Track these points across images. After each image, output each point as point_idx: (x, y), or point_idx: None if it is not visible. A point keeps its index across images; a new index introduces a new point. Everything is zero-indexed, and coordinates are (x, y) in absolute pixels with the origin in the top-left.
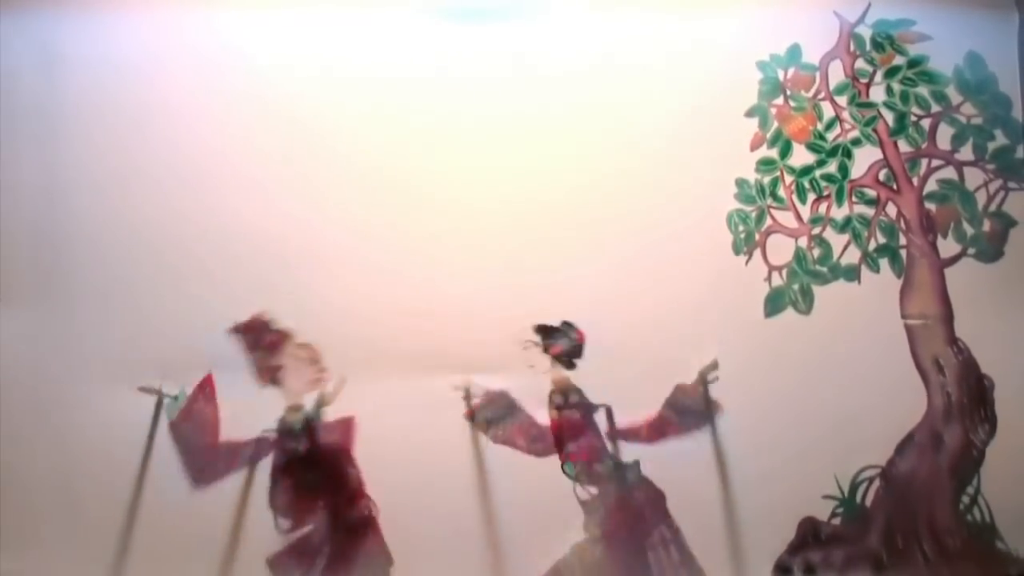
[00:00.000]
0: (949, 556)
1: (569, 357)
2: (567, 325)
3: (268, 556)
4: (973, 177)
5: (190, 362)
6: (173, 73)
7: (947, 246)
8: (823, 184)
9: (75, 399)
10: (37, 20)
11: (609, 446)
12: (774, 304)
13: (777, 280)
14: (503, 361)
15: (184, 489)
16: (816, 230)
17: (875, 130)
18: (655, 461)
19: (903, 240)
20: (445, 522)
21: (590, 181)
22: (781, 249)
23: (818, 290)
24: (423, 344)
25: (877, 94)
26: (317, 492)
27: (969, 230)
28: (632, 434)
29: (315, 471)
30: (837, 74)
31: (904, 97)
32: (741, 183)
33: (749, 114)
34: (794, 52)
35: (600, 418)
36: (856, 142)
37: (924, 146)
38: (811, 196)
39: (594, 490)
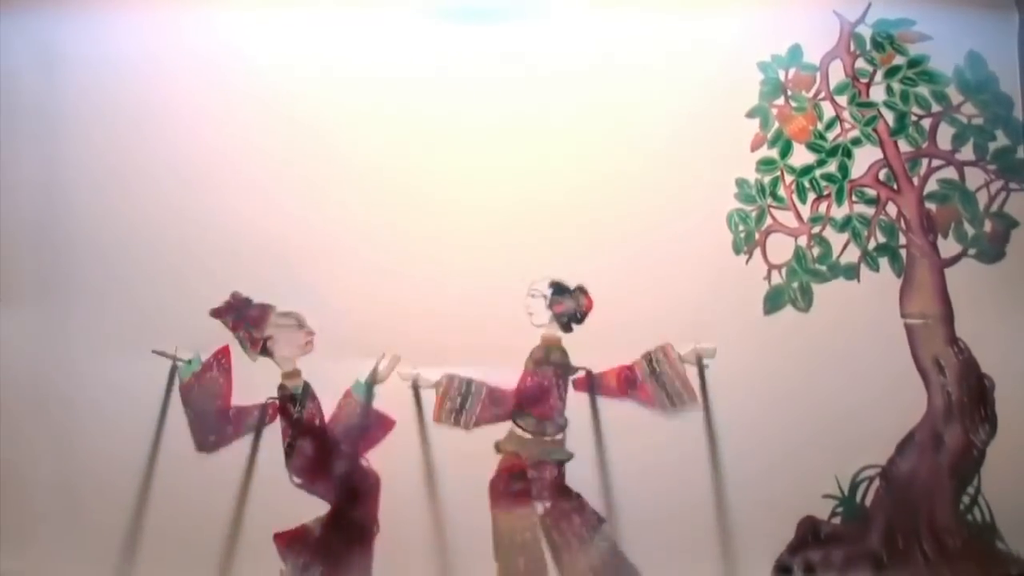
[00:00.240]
0: (949, 556)
1: (569, 319)
2: (580, 289)
3: (276, 532)
4: (974, 177)
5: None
6: (173, 73)
7: (948, 246)
8: (823, 184)
9: (75, 398)
10: (37, 20)
11: (564, 413)
12: (773, 302)
13: (777, 279)
14: (504, 360)
15: (185, 482)
16: (816, 229)
17: (875, 130)
18: (654, 459)
19: (903, 240)
20: (447, 517)
21: (590, 181)
22: (781, 248)
23: (817, 289)
24: (423, 343)
25: (877, 94)
26: (330, 468)
27: (970, 230)
28: (602, 385)
29: (329, 446)
30: (837, 74)
31: (904, 97)
32: (741, 183)
33: (750, 115)
34: (795, 52)
35: (571, 381)
36: (856, 142)
37: (924, 146)
38: (811, 196)
39: (520, 443)
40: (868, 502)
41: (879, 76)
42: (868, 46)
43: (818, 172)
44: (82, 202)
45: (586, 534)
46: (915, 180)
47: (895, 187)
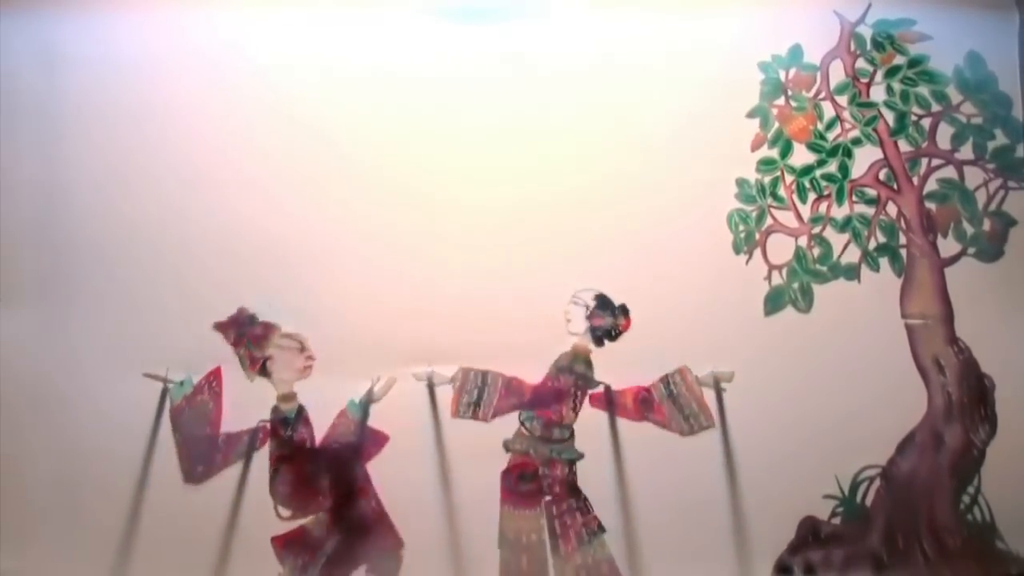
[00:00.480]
0: (949, 555)
1: (603, 335)
2: (623, 308)
3: (273, 536)
4: (973, 176)
5: (191, 361)
6: (173, 73)
7: (947, 245)
8: (823, 184)
9: (75, 398)
10: (37, 20)
11: (573, 425)
12: (774, 303)
13: (777, 279)
14: (505, 359)
15: (186, 486)
16: (816, 229)
17: (875, 130)
18: (653, 459)
19: (903, 239)
20: (449, 515)
21: (590, 181)
22: (781, 248)
23: (818, 289)
24: (423, 342)
25: (877, 94)
26: (318, 486)
27: (969, 229)
28: (620, 406)
29: (317, 467)
30: (838, 74)
31: (904, 97)
32: (742, 183)
33: (750, 114)
34: (795, 52)
35: (590, 395)
36: (856, 142)
37: (924, 145)
38: (811, 196)
39: (529, 442)
40: (868, 502)
41: (879, 76)
42: (868, 46)
43: (818, 172)
44: (82, 202)
45: (584, 536)
46: (915, 180)
47: (895, 187)
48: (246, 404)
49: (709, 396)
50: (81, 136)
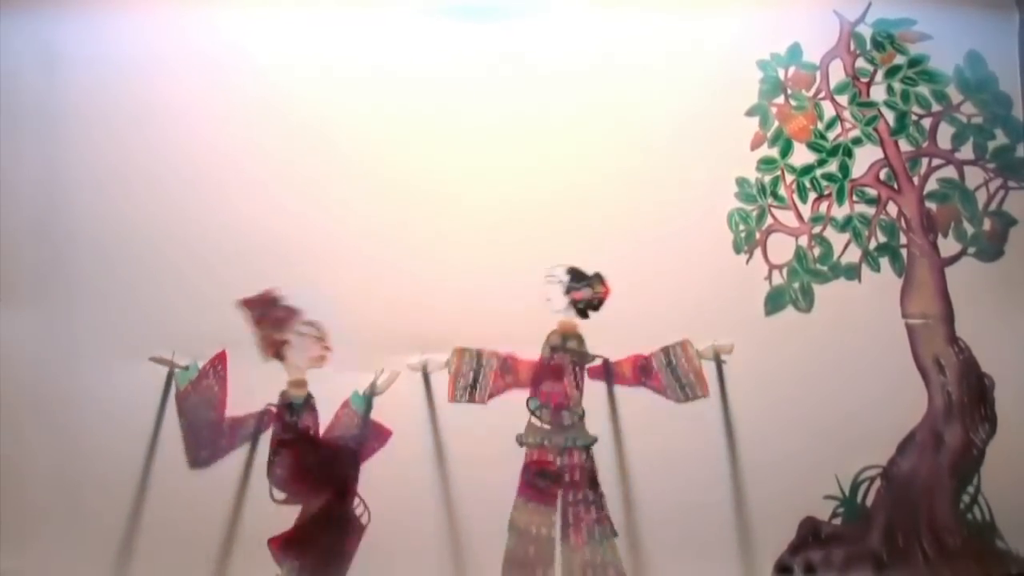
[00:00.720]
0: (949, 555)
1: (586, 307)
2: (597, 276)
3: (270, 538)
4: (973, 176)
5: (192, 359)
6: (174, 72)
7: (947, 245)
8: (824, 183)
9: (75, 397)
10: (37, 20)
11: (582, 399)
12: (774, 303)
13: (777, 279)
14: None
15: (185, 481)
16: (817, 229)
17: (876, 129)
18: (653, 457)
19: (904, 239)
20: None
21: (590, 180)
22: (782, 248)
23: (818, 289)
24: (424, 341)
25: (878, 93)
26: (315, 477)
27: (969, 229)
28: (618, 375)
29: (316, 457)
30: (838, 73)
31: (905, 96)
32: (742, 182)
33: (750, 113)
34: (794, 51)
35: (587, 369)
36: (857, 141)
37: (924, 145)
38: (812, 195)
39: (542, 434)
40: (869, 502)
41: (879, 76)
42: (868, 46)
43: (819, 172)
44: (83, 202)
45: (596, 534)
46: (915, 179)
47: (895, 187)
48: (252, 389)
49: (709, 369)
50: (81, 136)
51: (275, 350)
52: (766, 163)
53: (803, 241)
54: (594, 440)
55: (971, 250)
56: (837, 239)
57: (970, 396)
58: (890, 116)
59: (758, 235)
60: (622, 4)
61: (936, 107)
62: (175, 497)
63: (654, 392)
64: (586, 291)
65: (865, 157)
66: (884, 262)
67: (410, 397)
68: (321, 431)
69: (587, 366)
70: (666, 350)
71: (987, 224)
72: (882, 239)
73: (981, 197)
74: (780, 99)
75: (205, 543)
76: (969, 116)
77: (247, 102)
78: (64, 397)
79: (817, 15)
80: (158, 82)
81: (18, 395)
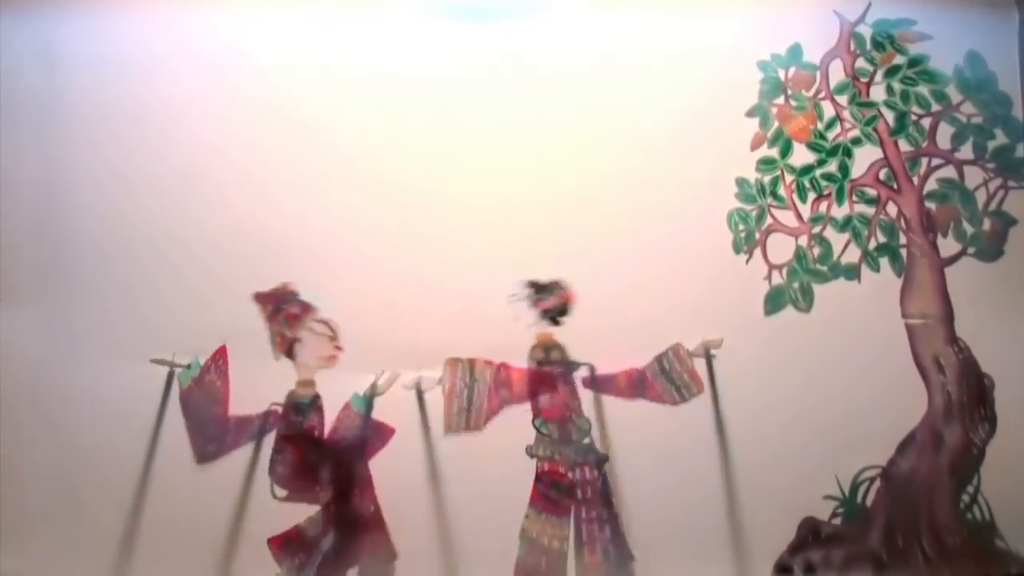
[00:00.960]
0: (949, 555)
1: (555, 315)
2: (555, 283)
3: (270, 537)
4: (973, 176)
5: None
6: (174, 72)
7: (947, 245)
8: (823, 183)
9: (75, 397)
10: (37, 20)
11: (583, 406)
12: (774, 303)
13: (777, 279)
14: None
15: (186, 481)
16: (816, 229)
17: (875, 129)
18: (655, 460)
19: (903, 239)
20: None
21: (590, 180)
22: (781, 248)
23: (818, 289)
24: (424, 341)
25: (877, 93)
26: (318, 476)
27: (969, 229)
28: (611, 386)
29: (319, 454)
30: (837, 73)
31: (904, 96)
32: (741, 182)
33: (750, 114)
34: (795, 51)
35: (578, 378)
36: (856, 141)
37: (924, 145)
38: (811, 195)
39: (552, 447)
40: (869, 502)
41: (879, 76)
42: (868, 46)
43: (818, 172)
44: (83, 202)
45: (613, 555)
46: (915, 179)
47: (895, 187)
48: (256, 389)
49: (700, 367)
50: (81, 136)
51: (286, 347)
52: (766, 163)
53: (803, 241)
54: (606, 457)
55: (971, 250)
56: (837, 239)
57: (970, 396)
58: (890, 116)
59: (758, 235)
60: (622, 4)
61: (936, 107)
62: (175, 497)
63: (652, 402)
64: (552, 299)
65: (865, 157)
66: (884, 262)
67: (410, 396)
68: (325, 433)
69: (576, 374)
70: (659, 358)
71: (987, 224)
72: (882, 239)
73: (981, 197)
74: (780, 99)
75: (205, 544)
76: (969, 116)
77: (247, 102)
78: (64, 397)
79: (817, 15)
80: (158, 82)
81: (18, 395)
